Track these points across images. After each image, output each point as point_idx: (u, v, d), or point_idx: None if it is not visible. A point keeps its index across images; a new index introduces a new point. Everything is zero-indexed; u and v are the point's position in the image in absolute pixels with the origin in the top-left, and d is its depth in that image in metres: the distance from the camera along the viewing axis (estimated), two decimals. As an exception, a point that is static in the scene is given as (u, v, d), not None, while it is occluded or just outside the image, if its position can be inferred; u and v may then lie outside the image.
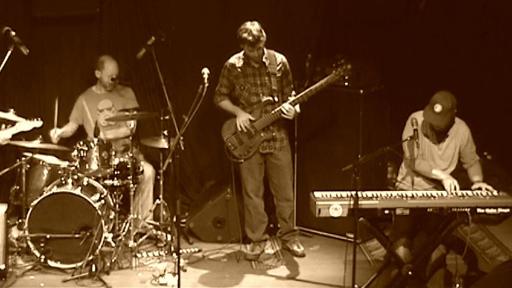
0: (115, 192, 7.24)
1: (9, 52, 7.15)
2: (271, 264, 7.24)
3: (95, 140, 7.10)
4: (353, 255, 6.08)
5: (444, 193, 6.32)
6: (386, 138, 7.48)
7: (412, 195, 6.27)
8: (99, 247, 6.82)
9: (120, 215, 7.38)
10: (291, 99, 6.95)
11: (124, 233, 7.22)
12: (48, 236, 6.84)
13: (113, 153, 7.17)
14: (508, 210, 6.18)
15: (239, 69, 7.01)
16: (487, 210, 6.15)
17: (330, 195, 6.20)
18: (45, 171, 7.26)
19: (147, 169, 7.62)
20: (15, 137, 7.13)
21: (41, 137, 7.27)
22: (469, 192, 6.35)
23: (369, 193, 6.24)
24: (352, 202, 6.04)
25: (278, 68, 7.00)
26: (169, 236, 7.34)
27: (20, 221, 7.21)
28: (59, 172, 7.13)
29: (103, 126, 7.68)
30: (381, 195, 6.25)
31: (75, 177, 7.06)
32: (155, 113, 7.67)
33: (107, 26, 8.14)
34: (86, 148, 7.06)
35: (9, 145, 7.30)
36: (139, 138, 7.73)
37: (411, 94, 8.28)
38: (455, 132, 6.57)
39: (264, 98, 6.98)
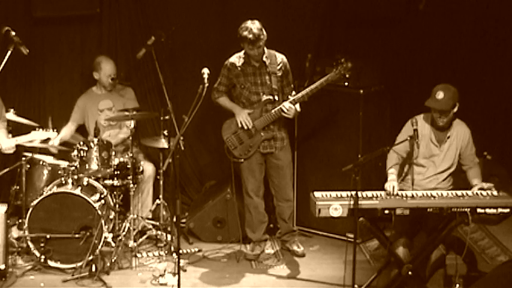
0: (115, 192, 7.24)
1: (9, 52, 7.15)
2: (271, 264, 7.24)
3: (95, 140, 7.10)
4: (353, 255, 6.08)
5: (444, 193, 6.33)
6: (386, 138, 7.47)
7: (412, 195, 6.27)
8: (99, 247, 6.82)
9: (120, 215, 7.38)
10: (291, 98, 6.95)
11: (124, 233, 7.22)
12: (48, 236, 6.84)
13: (113, 153, 7.17)
14: (508, 210, 6.19)
15: (239, 68, 7.01)
16: (487, 210, 6.16)
17: (330, 195, 6.21)
18: (45, 171, 7.26)
19: (148, 168, 7.62)
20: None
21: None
22: (469, 192, 6.35)
23: (369, 193, 6.24)
24: (352, 202, 6.04)
25: (278, 67, 7.01)
26: (169, 236, 7.34)
27: (20, 221, 7.21)
28: (59, 172, 7.13)
29: (103, 126, 7.68)
30: (381, 195, 6.26)
31: (75, 177, 7.06)
32: (155, 113, 7.67)
33: (107, 26, 8.15)
34: (86, 148, 7.06)
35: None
36: (140, 138, 7.73)
37: (411, 94, 8.28)
38: (456, 133, 6.57)
39: (264, 97, 6.98)
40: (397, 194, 6.27)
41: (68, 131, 7.69)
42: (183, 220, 7.73)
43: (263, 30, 6.84)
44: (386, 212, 6.14)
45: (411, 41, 8.44)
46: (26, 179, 7.17)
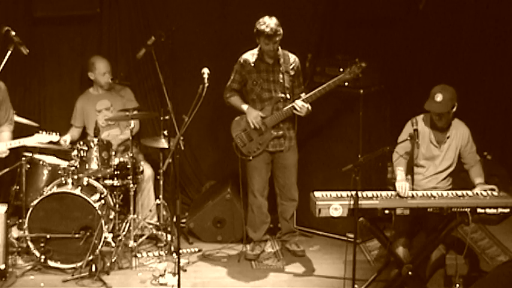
0: (115, 192, 7.24)
1: (9, 52, 7.14)
2: (271, 264, 7.24)
3: (95, 140, 7.10)
4: (353, 255, 6.07)
5: (444, 193, 6.33)
6: (386, 138, 7.48)
7: (412, 195, 6.27)
8: (99, 247, 6.82)
9: (120, 215, 7.38)
10: (304, 96, 6.95)
11: (124, 233, 7.22)
12: (48, 236, 6.84)
13: (113, 153, 7.17)
14: (508, 210, 6.19)
15: (252, 65, 7.02)
16: (487, 210, 6.16)
17: (330, 195, 6.21)
18: (45, 171, 7.26)
19: (147, 169, 7.63)
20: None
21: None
22: (469, 192, 6.35)
23: (369, 193, 6.24)
24: (352, 202, 6.04)
25: (291, 66, 7.02)
26: (169, 236, 7.34)
27: (20, 221, 7.21)
28: (59, 172, 7.13)
29: (102, 126, 7.68)
30: (381, 195, 6.26)
31: (75, 177, 7.06)
32: (155, 113, 7.67)
33: (107, 26, 8.15)
34: (86, 148, 7.06)
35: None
36: (140, 138, 7.73)
37: (411, 94, 8.28)
38: (455, 133, 6.57)
39: (276, 95, 6.97)
40: (409, 195, 6.28)
41: (74, 133, 7.70)
42: (183, 220, 7.74)
43: (280, 27, 6.85)
44: (387, 212, 6.14)
45: (411, 41, 8.44)
46: (26, 179, 7.17)
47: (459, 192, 6.34)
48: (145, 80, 8.21)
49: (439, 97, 6.38)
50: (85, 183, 7.09)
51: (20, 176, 7.18)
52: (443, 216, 6.20)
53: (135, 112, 7.24)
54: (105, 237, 6.88)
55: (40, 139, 7.05)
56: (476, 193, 6.33)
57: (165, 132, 7.26)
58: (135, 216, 7.26)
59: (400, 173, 6.49)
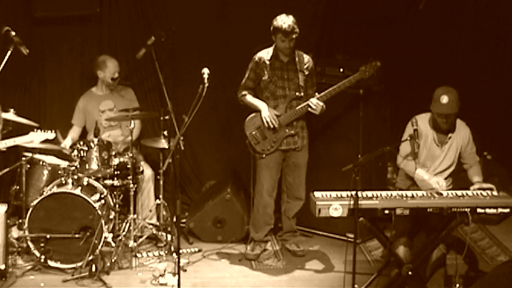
0: (115, 192, 7.24)
1: (9, 52, 7.15)
2: (271, 264, 7.24)
3: (95, 140, 7.10)
4: (353, 255, 6.07)
5: (444, 193, 6.32)
6: (386, 138, 7.49)
7: (412, 195, 6.27)
8: (99, 247, 6.81)
9: (120, 215, 7.38)
10: (318, 95, 6.95)
11: (124, 233, 7.22)
12: (48, 236, 6.83)
13: (113, 153, 7.17)
14: (508, 210, 6.18)
15: (267, 62, 7.04)
16: (487, 210, 6.15)
17: (330, 195, 6.20)
18: (45, 171, 7.26)
19: (147, 169, 7.63)
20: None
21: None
22: (469, 192, 6.35)
23: (369, 193, 6.24)
24: (352, 202, 6.04)
25: (306, 66, 7.04)
26: (169, 236, 7.34)
27: (20, 221, 7.21)
28: (59, 172, 7.13)
29: (104, 127, 7.68)
30: (381, 195, 6.25)
31: (75, 177, 7.06)
32: (155, 113, 7.67)
33: (107, 26, 8.15)
34: (86, 148, 7.06)
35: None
36: (140, 138, 7.73)
37: (411, 94, 8.28)
38: (457, 133, 6.57)
39: (291, 93, 6.99)
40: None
41: (75, 134, 7.71)
42: (183, 220, 7.74)
43: (296, 25, 6.89)
44: (387, 212, 6.14)
45: (411, 41, 8.44)
46: (26, 179, 7.17)
47: (459, 192, 6.34)
48: (145, 80, 8.21)
49: (445, 99, 6.37)
50: (85, 183, 7.09)
51: (20, 176, 7.18)
52: (443, 216, 6.20)
53: (136, 112, 7.23)
54: (105, 237, 6.88)
55: (35, 137, 7.05)
56: (476, 193, 6.33)
57: (165, 133, 7.25)
58: (135, 216, 7.25)
59: (422, 172, 6.48)
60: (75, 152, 7.08)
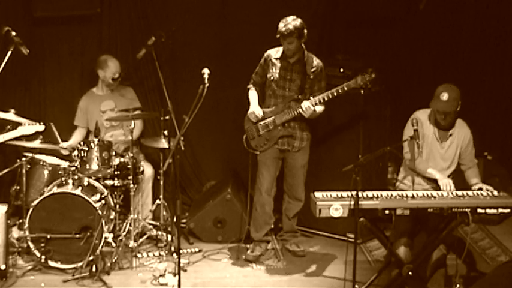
0: (115, 193, 7.24)
1: (9, 52, 7.15)
2: (271, 264, 7.24)
3: (95, 140, 7.10)
4: (353, 256, 6.08)
5: (444, 193, 6.33)
6: (386, 138, 7.49)
7: (413, 196, 6.27)
8: (100, 247, 6.81)
9: (120, 215, 7.38)
10: (312, 98, 6.95)
11: (124, 233, 7.22)
12: (48, 236, 6.83)
13: (113, 153, 7.17)
14: (508, 210, 6.19)
15: (274, 60, 7.06)
16: (488, 211, 6.16)
17: (331, 195, 6.21)
18: (46, 171, 7.25)
19: (147, 169, 7.63)
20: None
21: (41, 137, 7.26)
22: (470, 192, 6.35)
23: (369, 193, 6.24)
24: (352, 202, 6.04)
25: (312, 70, 7.02)
26: (169, 236, 7.34)
27: (20, 221, 7.21)
28: (59, 172, 7.13)
29: (106, 127, 7.67)
30: (381, 195, 6.25)
31: (76, 177, 7.06)
32: (155, 113, 7.67)
33: (107, 26, 8.15)
34: (87, 148, 7.06)
35: (10, 145, 7.30)
36: (140, 138, 7.72)
37: (411, 94, 8.28)
38: (457, 133, 6.57)
39: (290, 94, 6.99)
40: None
41: (79, 136, 7.70)
42: (184, 220, 7.74)
43: (301, 30, 6.85)
44: (387, 212, 6.14)
45: (411, 41, 8.44)
46: (26, 179, 7.17)
47: (459, 192, 6.34)
48: (145, 80, 8.21)
49: (445, 96, 6.38)
50: (85, 183, 7.09)
51: (20, 176, 7.18)
52: (444, 216, 6.20)
53: (136, 112, 7.23)
54: (105, 238, 6.88)
55: (24, 131, 7.06)
56: (477, 193, 6.34)
57: (166, 133, 7.25)
58: (136, 216, 7.25)
59: (433, 171, 6.48)
60: (76, 152, 7.08)
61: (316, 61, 7.07)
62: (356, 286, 6.20)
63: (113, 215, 7.20)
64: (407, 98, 8.22)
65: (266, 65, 7.09)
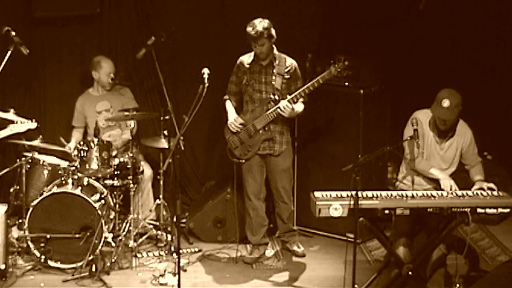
0: (115, 192, 7.24)
1: (9, 52, 7.16)
2: (271, 264, 7.24)
3: (95, 140, 7.10)
4: (353, 255, 6.07)
5: (444, 193, 6.32)
6: (386, 138, 7.49)
7: (412, 195, 6.27)
8: (99, 247, 6.82)
9: (120, 215, 7.37)
10: (289, 96, 6.92)
11: (124, 233, 7.22)
12: (48, 236, 6.83)
13: (113, 153, 7.17)
14: (508, 210, 6.19)
15: (247, 66, 7.03)
16: (487, 210, 6.15)
17: (330, 195, 6.20)
18: (45, 171, 7.26)
19: (147, 169, 7.63)
20: (14, 136, 7.14)
21: (41, 136, 7.27)
22: (469, 192, 6.35)
23: (369, 193, 6.24)
24: (352, 202, 6.03)
25: (286, 70, 6.99)
26: (169, 236, 7.34)
27: (20, 221, 7.21)
28: (59, 172, 7.13)
29: (103, 127, 7.68)
30: (381, 195, 6.25)
31: (76, 177, 7.06)
32: (155, 113, 7.67)
33: (107, 26, 8.15)
34: (86, 148, 7.06)
35: (9, 145, 7.30)
36: (140, 138, 7.73)
37: (411, 94, 8.28)
38: (457, 133, 6.57)
39: (267, 96, 6.97)
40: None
41: (78, 134, 7.71)
42: (183, 220, 7.73)
43: (270, 30, 6.85)
44: (387, 212, 6.14)
45: (411, 41, 8.44)
46: (26, 179, 7.17)
47: (459, 192, 6.34)
48: (145, 80, 8.21)
49: (446, 103, 6.36)
50: (85, 183, 7.09)
51: (20, 176, 7.18)
52: (444, 216, 6.20)
53: (135, 112, 7.23)
54: (105, 237, 6.88)
55: (15, 129, 7.05)
56: (476, 193, 6.33)
57: (165, 132, 7.25)
58: (135, 216, 7.25)
59: (436, 171, 6.48)
60: (75, 152, 7.08)
61: (289, 61, 7.02)
62: (356, 286, 6.20)
63: (112, 214, 7.20)
64: (407, 97, 8.21)
65: (241, 72, 7.05)
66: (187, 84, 7.84)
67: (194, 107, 6.10)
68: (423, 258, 6.39)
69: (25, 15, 7.86)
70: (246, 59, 7.07)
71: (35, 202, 6.87)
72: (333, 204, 6.10)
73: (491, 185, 6.43)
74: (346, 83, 7.49)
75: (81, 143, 7.11)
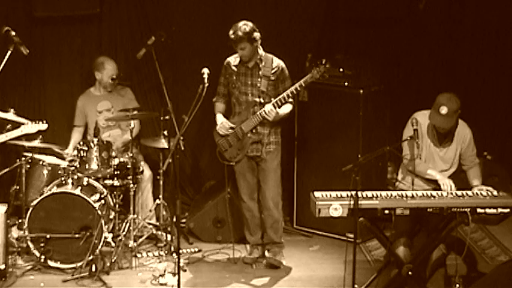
0: (115, 192, 7.24)
1: (9, 52, 7.16)
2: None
3: (95, 140, 7.10)
4: (353, 255, 6.07)
5: (444, 193, 6.32)
6: (386, 138, 7.49)
7: (412, 195, 6.27)
8: (99, 247, 6.82)
9: (120, 215, 7.38)
10: (274, 100, 6.86)
11: (124, 233, 7.22)
12: (48, 236, 6.84)
13: (113, 153, 7.17)
14: (508, 210, 6.18)
15: (234, 67, 6.97)
16: (487, 210, 6.15)
17: (330, 195, 6.20)
18: (45, 171, 7.26)
19: (146, 169, 7.63)
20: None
21: (41, 137, 7.27)
22: (469, 192, 6.35)
23: (369, 193, 6.23)
24: (352, 202, 6.03)
25: (273, 71, 6.90)
26: (169, 236, 7.34)
27: (20, 221, 7.22)
28: (59, 172, 7.13)
29: (103, 127, 7.67)
30: (381, 195, 6.25)
31: (75, 177, 7.06)
32: (155, 113, 7.66)
33: (107, 26, 8.15)
34: (86, 148, 7.06)
35: (9, 145, 7.31)
36: (140, 138, 7.73)
37: (411, 94, 8.29)
38: (457, 134, 6.55)
39: (253, 99, 6.93)
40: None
41: (78, 134, 7.71)
42: (183, 220, 7.73)
43: (252, 34, 6.73)
44: (387, 212, 6.13)
45: (411, 41, 8.44)
46: (26, 179, 7.18)
47: (459, 192, 6.33)
48: (145, 80, 8.21)
49: (444, 110, 6.31)
50: (85, 183, 7.09)
51: (20, 176, 7.19)
52: (443, 216, 6.20)
53: (135, 112, 7.24)
54: (105, 237, 6.88)
55: (27, 130, 7.07)
56: (476, 193, 6.33)
57: (165, 132, 7.25)
58: (135, 216, 7.25)
59: (434, 172, 6.47)
60: (75, 152, 7.08)
61: (276, 61, 6.92)
62: (356, 286, 6.20)
63: (112, 214, 7.20)
64: (407, 98, 8.22)
65: (228, 74, 6.99)
66: (187, 84, 7.84)
67: (194, 107, 6.10)
68: (423, 258, 6.39)
69: (25, 15, 7.87)
70: (233, 60, 6.98)
71: (35, 202, 6.87)
72: (333, 204, 6.10)
73: (490, 189, 6.41)
74: (346, 83, 7.49)
75: (81, 143, 7.11)
